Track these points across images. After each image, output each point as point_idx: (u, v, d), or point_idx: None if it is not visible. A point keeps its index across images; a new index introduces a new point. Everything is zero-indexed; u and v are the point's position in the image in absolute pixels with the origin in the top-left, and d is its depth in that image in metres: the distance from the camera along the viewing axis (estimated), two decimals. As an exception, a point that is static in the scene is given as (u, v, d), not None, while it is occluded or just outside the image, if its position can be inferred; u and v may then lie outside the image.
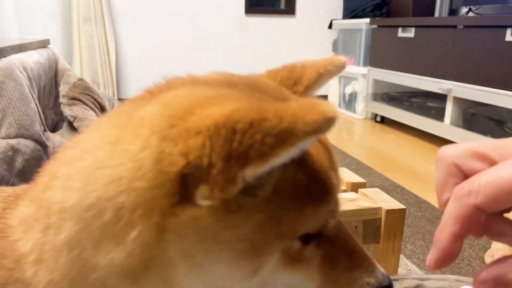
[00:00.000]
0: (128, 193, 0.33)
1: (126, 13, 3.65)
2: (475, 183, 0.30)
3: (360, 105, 3.51)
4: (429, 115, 2.74)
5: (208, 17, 3.82)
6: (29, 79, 1.58)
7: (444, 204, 0.33)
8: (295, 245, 0.36)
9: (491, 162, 0.32)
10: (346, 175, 1.18)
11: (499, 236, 0.34)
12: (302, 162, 0.34)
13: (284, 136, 0.28)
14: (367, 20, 3.37)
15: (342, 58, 0.46)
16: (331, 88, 3.93)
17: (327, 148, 0.39)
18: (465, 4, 3.04)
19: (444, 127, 2.57)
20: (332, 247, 0.39)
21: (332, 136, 2.88)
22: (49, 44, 2.05)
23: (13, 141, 1.42)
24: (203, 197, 0.31)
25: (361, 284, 0.40)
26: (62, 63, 1.98)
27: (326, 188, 0.36)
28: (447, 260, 0.32)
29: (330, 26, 3.95)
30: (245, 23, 3.91)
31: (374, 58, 3.32)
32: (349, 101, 3.67)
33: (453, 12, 3.23)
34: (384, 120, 3.34)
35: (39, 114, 1.53)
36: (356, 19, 3.66)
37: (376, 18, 3.51)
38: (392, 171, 2.13)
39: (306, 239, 0.37)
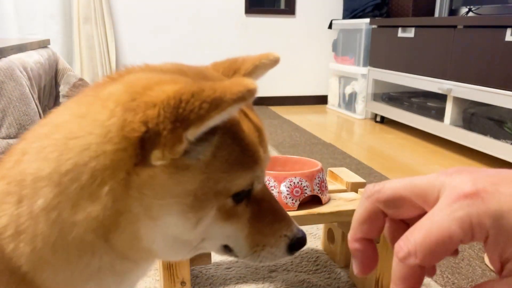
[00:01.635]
0: (98, 156, 0.40)
1: (126, 13, 3.65)
2: (411, 242, 0.34)
3: (360, 105, 3.51)
4: (429, 115, 2.74)
5: (208, 17, 3.82)
6: (29, 79, 1.58)
7: (354, 240, 0.37)
8: (228, 203, 0.46)
9: (416, 208, 0.36)
10: (346, 175, 1.18)
11: None
12: (237, 136, 0.44)
13: (216, 102, 0.37)
14: (367, 20, 3.37)
15: (275, 54, 0.55)
16: (331, 88, 3.93)
17: (258, 128, 0.49)
18: (465, 4, 3.04)
19: (444, 127, 2.57)
20: (259, 206, 0.49)
21: (332, 136, 2.87)
22: (49, 44, 2.05)
23: (13, 141, 1.42)
24: (157, 159, 0.40)
25: (279, 235, 0.50)
26: (62, 63, 1.98)
27: (254, 158, 0.46)
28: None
29: (330, 26, 3.95)
30: (245, 23, 3.91)
31: (374, 58, 3.32)
32: (349, 101, 3.67)
33: (453, 12, 3.23)
34: (384, 120, 3.34)
35: (39, 114, 1.53)
36: (356, 19, 3.66)
37: (376, 18, 3.51)
38: (392, 171, 2.14)
39: (237, 199, 0.46)
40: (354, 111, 3.58)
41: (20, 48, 1.68)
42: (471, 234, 0.32)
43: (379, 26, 3.27)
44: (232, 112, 0.39)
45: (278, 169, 1.08)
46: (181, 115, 0.38)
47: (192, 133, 0.39)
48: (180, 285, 1.00)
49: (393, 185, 0.38)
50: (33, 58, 1.71)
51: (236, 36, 3.91)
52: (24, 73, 1.54)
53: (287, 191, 1.00)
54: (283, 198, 1.00)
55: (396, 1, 3.54)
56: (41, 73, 1.74)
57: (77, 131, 0.41)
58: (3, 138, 1.45)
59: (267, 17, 3.97)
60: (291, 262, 1.30)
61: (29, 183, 0.41)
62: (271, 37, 3.96)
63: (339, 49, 3.83)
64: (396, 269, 0.36)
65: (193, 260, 1.02)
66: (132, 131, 0.39)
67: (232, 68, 0.55)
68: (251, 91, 0.37)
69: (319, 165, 1.05)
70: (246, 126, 0.46)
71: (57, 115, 0.45)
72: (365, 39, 3.41)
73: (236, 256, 0.50)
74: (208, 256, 1.08)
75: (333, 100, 3.93)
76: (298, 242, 0.50)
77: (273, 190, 1.00)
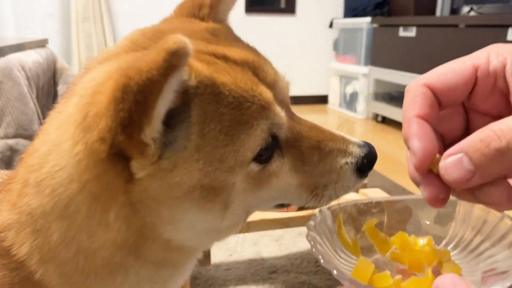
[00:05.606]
0: (86, 186, 0.35)
1: (125, 12, 3.64)
2: (428, 73, 0.32)
3: (361, 104, 3.50)
4: (431, 115, 2.73)
5: (208, 17, 3.81)
6: (28, 78, 1.57)
7: (409, 122, 0.31)
8: (253, 169, 0.37)
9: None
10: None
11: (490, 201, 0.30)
12: (218, 95, 0.35)
13: (148, 87, 0.29)
14: (368, 19, 3.36)
15: None
16: (332, 87, 3.92)
17: (249, 65, 0.39)
18: (467, 3, 3.03)
19: (445, 127, 2.55)
20: (297, 148, 0.40)
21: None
22: (47, 43, 2.04)
23: (11, 141, 1.41)
24: (137, 170, 0.34)
25: (339, 167, 0.41)
26: (61, 62, 1.97)
27: (257, 106, 0.37)
28: (427, 150, 0.29)
29: (331, 25, 3.93)
30: (245, 22, 3.90)
31: (375, 58, 3.31)
32: (350, 101, 3.66)
33: (454, 11, 3.22)
34: (385, 120, 3.32)
35: (38, 114, 1.52)
36: (357, 18, 3.65)
37: (377, 17, 3.49)
38: (393, 171, 2.12)
39: (263, 159, 0.38)
40: (355, 111, 3.57)
41: (18, 47, 1.67)
42: (487, 60, 0.30)
43: (380, 25, 3.26)
44: (174, 87, 0.32)
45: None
46: (125, 120, 0.31)
47: (150, 132, 0.32)
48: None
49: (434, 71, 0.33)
50: (32, 58, 1.70)
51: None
52: (23, 73, 1.53)
53: (287, 191, 0.99)
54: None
55: (397, 0, 3.53)
56: (40, 73, 1.73)
57: (58, 162, 0.36)
58: (1, 138, 1.44)
59: (267, 16, 3.96)
60: (292, 263, 1.29)
61: (39, 217, 0.38)
62: (271, 36, 3.95)
63: (340, 48, 3.81)
64: (406, 100, 0.32)
65: (192, 262, 1.01)
66: (98, 153, 0.33)
67: (195, 5, 0.46)
68: (178, 52, 0.29)
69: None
70: (228, 76, 0.37)
71: (40, 141, 0.40)
72: (366, 38, 3.40)
73: (296, 205, 0.43)
74: (207, 257, 1.07)
75: (334, 99, 3.91)
76: (367, 160, 0.43)
77: (273, 190, 0.99)
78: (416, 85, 0.32)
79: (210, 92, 0.35)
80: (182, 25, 0.44)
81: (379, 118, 3.34)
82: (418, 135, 0.29)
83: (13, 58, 1.55)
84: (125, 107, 0.30)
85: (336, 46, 3.91)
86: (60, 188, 0.36)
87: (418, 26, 2.81)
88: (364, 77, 3.42)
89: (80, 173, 0.35)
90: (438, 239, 0.36)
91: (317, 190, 0.41)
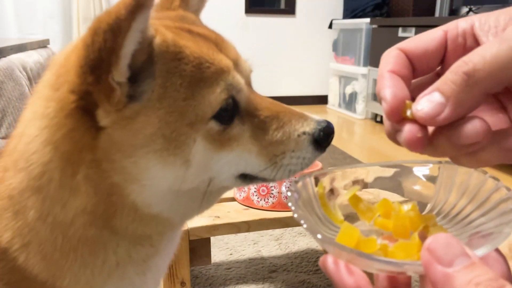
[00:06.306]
0: (57, 146, 0.38)
1: (126, 13, 3.65)
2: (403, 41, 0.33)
3: (360, 105, 3.51)
4: (429, 115, 2.74)
5: (208, 17, 3.79)
6: (29, 79, 1.57)
7: (381, 77, 0.31)
8: (213, 128, 0.40)
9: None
10: (346, 175, 1.18)
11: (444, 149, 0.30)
12: (180, 55, 0.39)
13: (117, 25, 0.32)
14: (367, 20, 3.37)
15: None
16: (331, 88, 3.93)
17: (210, 38, 0.44)
18: (466, 4, 3.04)
19: (444, 127, 2.56)
20: (256, 117, 0.43)
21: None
22: (49, 44, 2.05)
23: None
24: (102, 118, 0.37)
25: (297, 135, 0.43)
26: (62, 63, 1.98)
27: (215, 69, 0.40)
28: (397, 95, 0.29)
29: (330, 26, 3.94)
30: (245, 23, 3.91)
31: (374, 58, 3.32)
32: (349, 101, 3.67)
33: (453, 12, 3.23)
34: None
35: (39, 114, 1.52)
36: (356, 19, 3.65)
37: (376, 18, 3.50)
38: (392, 171, 2.13)
39: (223, 119, 0.40)
40: (355, 111, 3.58)
41: (20, 48, 1.68)
42: (456, 24, 0.32)
43: (380, 26, 3.27)
44: (140, 27, 0.35)
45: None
46: (94, 61, 0.34)
47: (118, 73, 0.35)
48: (180, 285, 0.99)
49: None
50: (33, 58, 1.70)
51: (236, 36, 3.89)
52: (24, 73, 1.54)
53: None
54: (283, 198, 1.00)
55: (397, 1, 3.54)
56: (41, 73, 1.74)
57: (32, 133, 0.39)
58: (3, 138, 1.45)
59: (267, 17, 3.97)
60: (291, 262, 1.30)
61: (17, 197, 0.40)
62: (271, 37, 3.95)
63: (340, 49, 3.82)
64: (381, 63, 0.33)
65: (193, 261, 1.02)
66: (67, 105, 0.37)
67: None
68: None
69: (319, 165, 1.05)
70: (191, 42, 0.41)
71: (20, 122, 0.44)
72: (365, 39, 3.40)
73: (258, 180, 0.45)
74: (208, 256, 1.07)
75: (333, 100, 3.92)
76: (324, 133, 0.44)
77: (273, 190, 1.00)
78: (389, 50, 0.33)
79: (172, 50, 0.39)
80: (154, 14, 0.47)
81: (378, 118, 3.35)
82: (389, 84, 0.30)
83: (15, 58, 1.56)
84: (95, 48, 0.33)
85: (335, 46, 3.92)
86: (33, 158, 0.39)
87: (417, 26, 2.82)
88: (363, 77, 3.43)
89: (53, 133, 0.38)
90: (422, 206, 0.35)
91: (275, 159, 0.43)
